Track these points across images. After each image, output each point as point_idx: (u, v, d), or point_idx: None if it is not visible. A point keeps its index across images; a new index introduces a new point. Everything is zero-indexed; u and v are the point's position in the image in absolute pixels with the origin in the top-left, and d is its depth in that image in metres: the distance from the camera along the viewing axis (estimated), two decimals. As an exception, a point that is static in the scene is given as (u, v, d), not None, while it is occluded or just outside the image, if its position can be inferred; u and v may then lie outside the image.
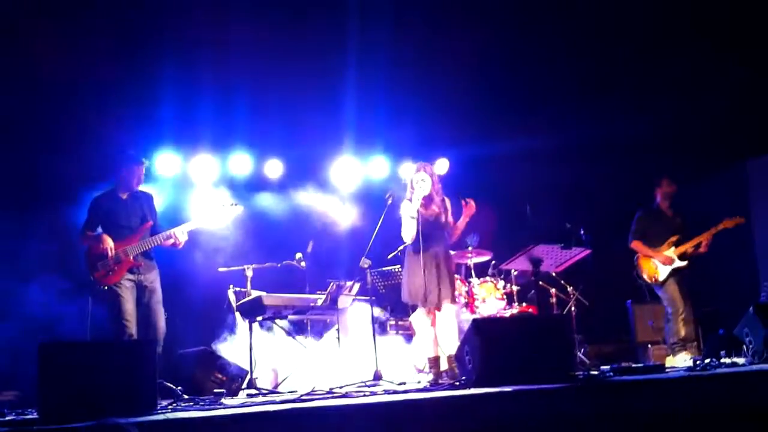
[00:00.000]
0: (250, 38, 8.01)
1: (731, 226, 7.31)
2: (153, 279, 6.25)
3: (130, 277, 6.13)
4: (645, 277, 7.49)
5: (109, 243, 6.05)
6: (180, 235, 6.24)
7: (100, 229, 6.24)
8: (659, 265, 7.39)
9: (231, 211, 6.56)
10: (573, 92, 9.01)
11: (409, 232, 6.30)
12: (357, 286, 7.01)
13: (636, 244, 7.54)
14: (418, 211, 6.24)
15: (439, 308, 6.22)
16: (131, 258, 6.11)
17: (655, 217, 7.59)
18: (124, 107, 8.01)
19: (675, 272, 7.34)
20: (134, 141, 8.14)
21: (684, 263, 7.33)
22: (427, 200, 6.36)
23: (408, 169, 6.54)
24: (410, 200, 6.33)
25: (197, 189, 8.83)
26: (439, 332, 6.24)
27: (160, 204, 6.77)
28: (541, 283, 7.99)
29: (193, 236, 6.52)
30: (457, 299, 6.78)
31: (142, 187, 6.51)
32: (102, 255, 6.05)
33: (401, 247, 6.72)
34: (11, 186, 7.76)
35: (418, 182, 6.37)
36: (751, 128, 8.87)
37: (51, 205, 7.69)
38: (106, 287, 6.07)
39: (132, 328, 6.05)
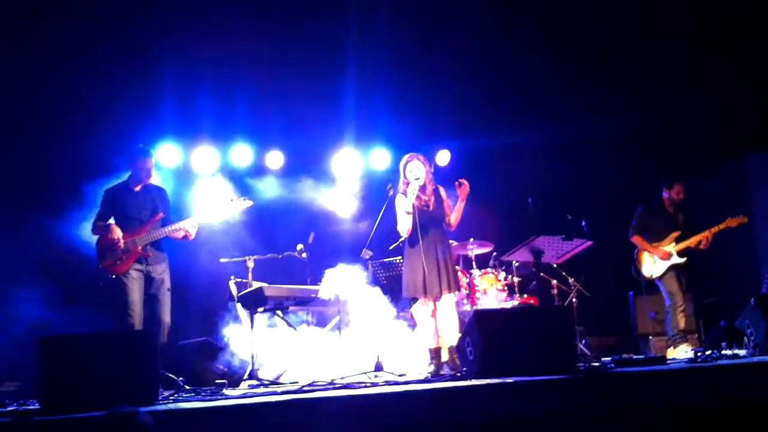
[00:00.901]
0: (251, 30, 8.00)
1: (734, 225, 7.31)
2: (162, 270, 6.30)
3: (138, 267, 6.18)
4: (642, 271, 7.54)
5: (117, 233, 6.12)
6: (191, 228, 6.30)
7: (112, 221, 6.29)
8: (657, 260, 7.41)
9: (240, 204, 6.61)
10: (575, 86, 8.99)
11: (404, 225, 6.26)
12: (359, 274, 7.00)
13: (636, 239, 7.57)
14: (413, 204, 6.21)
15: (439, 298, 6.21)
16: (140, 248, 6.16)
17: (656, 213, 7.60)
18: (125, 100, 8.00)
19: (673, 267, 7.37)
20: (135, 133, 8.15)
21: (682, 260, 7.35)
22: (421, 190, 6.29)
23: (401, 160, 6.46)
24: (404, 193, 6.27)
25: (198, 180, 8.83)
26: (440, 323, 6.23)
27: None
28: (542, 274, 7.99)
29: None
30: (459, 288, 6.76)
31: (157, 182, 6.61)
32: (111, 245, 6.11)
33: (402, 239, 6.71)
34: (10, 181, 7.77)
35: (411, 171, 6.31)
36: (751, 124, 8.86)
37: (52, 199, 7.70)
38: (114, 276, 6.12)
39: (135, 319, 6.08)
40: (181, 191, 8.59)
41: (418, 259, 6.18)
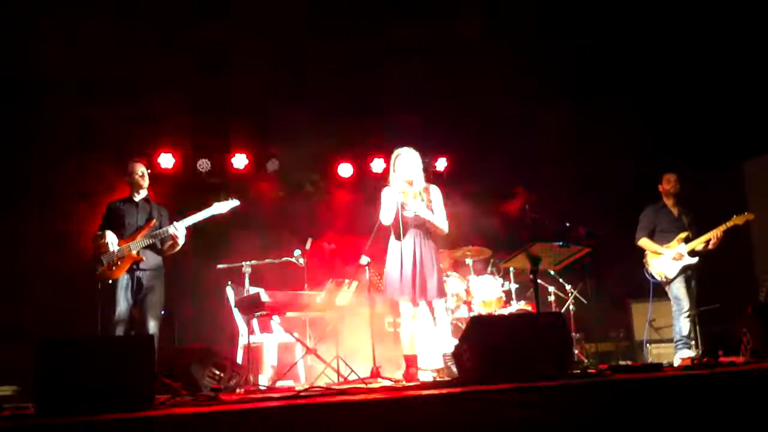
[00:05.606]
0: (251, 32, 8.03)
1: (741, 223, 7.19)
2: (152, 277, 6.36)
3: (130, 273, 6.28)
4: (655, 274, 7.40)
5: (110, 237, 6.25)
6: (177, 230, 6.34)
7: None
8: (670, 261, 7.29)
9: (227, 204, 6.61)
10: (573, 90, 9.01)
11: (386, 216, 6.06)
12: (355, 283, 7.00)
13: (643, 242, 7.46)
14: (400, 193, 6.01)
15: (416, 304, 6.07)
16: (134, 253, 6.27)
17: (660, 215, 7.50)
18: (124, 104, 8.02)
19: (685, 269, 7.26)
20: (133, 138, 8.18)
21: (695, 260, 7.24)
22: (409, 185, 6.12)
23: (393, 153, 6.32)
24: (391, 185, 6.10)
25: (196, 186, 8.84)
26: (418, 330, 6.06)
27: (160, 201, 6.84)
28: (539, 281, 7.97)
29: (191, 232, 6.60)
30: (445, 294, 6.63)
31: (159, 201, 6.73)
32: (107, 250, 6.23)
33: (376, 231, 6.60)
34: (9, 185, 7.80)
35: (401, 164, 6.14)
36: (747, 129, 8.88)
37: (51, 202, 7.72)
38: (109, 281, 6.23)
39: (120, 324, 6.21)
40: (179, 197, 8.60)
41: (397, 258, 6.08)
